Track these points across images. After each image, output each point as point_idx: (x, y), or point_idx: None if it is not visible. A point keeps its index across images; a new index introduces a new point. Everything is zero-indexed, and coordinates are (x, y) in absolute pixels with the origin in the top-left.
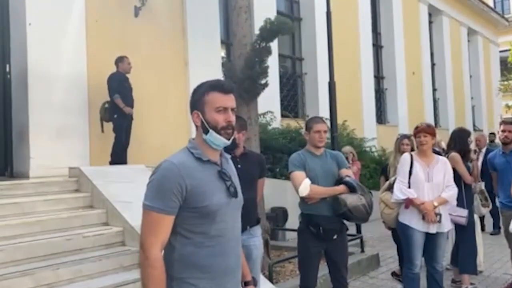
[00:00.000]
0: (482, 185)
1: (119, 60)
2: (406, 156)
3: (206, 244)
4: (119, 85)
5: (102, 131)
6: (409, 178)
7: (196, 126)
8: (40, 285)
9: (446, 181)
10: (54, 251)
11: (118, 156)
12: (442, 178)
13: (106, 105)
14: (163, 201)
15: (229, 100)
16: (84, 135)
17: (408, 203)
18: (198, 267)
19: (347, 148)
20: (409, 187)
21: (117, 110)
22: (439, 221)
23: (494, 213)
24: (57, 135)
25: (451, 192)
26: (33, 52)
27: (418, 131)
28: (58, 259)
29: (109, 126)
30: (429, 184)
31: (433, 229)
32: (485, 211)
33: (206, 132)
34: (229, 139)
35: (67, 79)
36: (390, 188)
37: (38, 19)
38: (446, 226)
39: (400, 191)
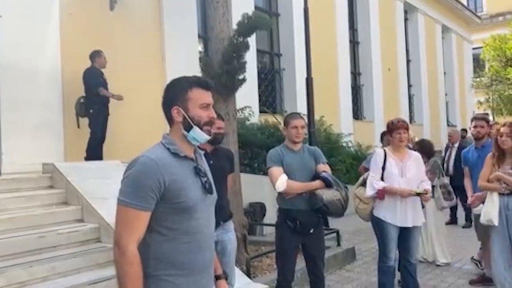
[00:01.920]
0: (444, 179)
1: (96, 55)
2: (379, 151)
3: (183, 240)
4: (96, 80)
5: (78, 126)
6: (383, 173)
7: (171, 122)
8: (12, 283)
9: (420, 177)
10: (27, 248)
11: (94, 152)
12: (415, 173)
13: (82, 100)
14: (141, 197)
15: (210, 97)
16: (59, 130)
17: (381, 193)
18: (175, 264)
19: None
20: (382, 181)
21: (93, 105)
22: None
23: (465, 207)
24: (30, 131)
25: (429, 186)
26: (4, 46)
27: (398, 127)
28: (31, 256)
29: (84, 121)
30: (403, 179)
31: (409, 223)
32: (447, 204)
33: (188, 128)
34: (210, 135)
35: (41, 73)
36: (364, 183)
37: (9, 12)
38: (420, 220)
39: (371, 187)
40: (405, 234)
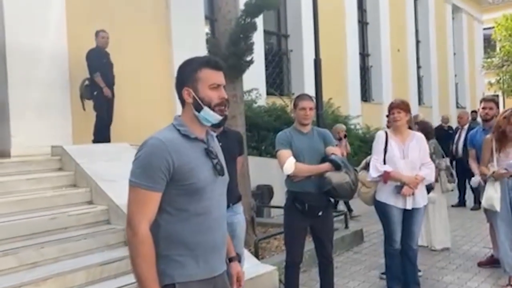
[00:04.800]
0: (447, 161)
1: (96, 35)
2: (381, 133)
3: (193, 221)
4: (98, 61)
5: (84, 108)
6: (385, 155)
7: (183, 103)
8: (24, 264)
9: (422, 158)
10: (38, 230)
11: (101, 134)
12: (418, 155)
13: (87, 82)
14: (150, 178)
15: (221, 77)
16: (66, 112)
17: (386, 176)
18: (184, 244)
19: (341, 127)
20: (385, 165)
21: (96, 88)
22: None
23: (474, 189)
24: (38, 113)
25: (428, 170)
26: (11, 26)
27: (391, 107)
28: (42, 238)
29: (90, 103)
30: (405, 161)
31: (409, 205)
32: (451, 186)
33: (199, 109)
34: (222, 115)
35: (47, 54)
36: (367, 167)
37: None
38: (421, 202)
39: (375, 169)
40: (407, 217)
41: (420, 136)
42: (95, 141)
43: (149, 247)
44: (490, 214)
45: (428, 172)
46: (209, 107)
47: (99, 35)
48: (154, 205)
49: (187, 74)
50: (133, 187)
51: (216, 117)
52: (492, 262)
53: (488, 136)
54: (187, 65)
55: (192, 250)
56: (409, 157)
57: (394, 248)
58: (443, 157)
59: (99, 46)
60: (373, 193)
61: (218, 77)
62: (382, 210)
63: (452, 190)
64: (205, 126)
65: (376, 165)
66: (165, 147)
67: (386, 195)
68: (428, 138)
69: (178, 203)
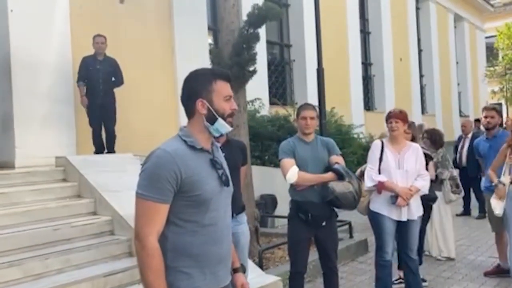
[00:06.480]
0: (453, 171)
1: (92, 39)
2: (377, 142)
3: (200, 232)
4: (83, 70)
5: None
6: (380, 165)
7: (192, 114)
8: (28, 275)
9: (418, 169)
10: (42, 241)
11: (94, 145)
12: (414, 165)
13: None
14: (158, 189)
15: (230, 88)
16: (70, 123)
17: (380, 186)
18: (191, 256)
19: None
20: (380, 174)
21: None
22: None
23: (479, 198)
24: (42, 124)
25: (424, 182)
26: (16, 39)
27: (389, 116)
28: (46, 249)
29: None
30: (400, 171)
31: (404, 217)
32: (455, 197)
33: (213, 120)
34: (232, 127)
35: (52, 66)
36: (362, 176)
37: (20, 6)
38: (416, 213)
39: (370, 179)
40: (403, 228)
41: (416, 146)
42: (96, 152)
43: (158, 260)
44: (505, 223)
45: (423, 184)
46: (222, 118)
47: (94, 40)
48: (162, 217)
49: (200, 85)
50: (141, 199)
51: (227, 128)
52: (499, 272)
53: (505, 144)
54: (199, 76)
55: (199, 262)
56: (405, 167)
57: (385, 259)
58: (451, 167)
59: (95, 51)
60: (367, 203)
61: (229, 88)
62: (375, 220)
63: (455, 200)
64: (210, 137)
65: (370, 175)
66: (172, 159)
67: (379, 205)
68: (436, 147)
69: (185, 214)
